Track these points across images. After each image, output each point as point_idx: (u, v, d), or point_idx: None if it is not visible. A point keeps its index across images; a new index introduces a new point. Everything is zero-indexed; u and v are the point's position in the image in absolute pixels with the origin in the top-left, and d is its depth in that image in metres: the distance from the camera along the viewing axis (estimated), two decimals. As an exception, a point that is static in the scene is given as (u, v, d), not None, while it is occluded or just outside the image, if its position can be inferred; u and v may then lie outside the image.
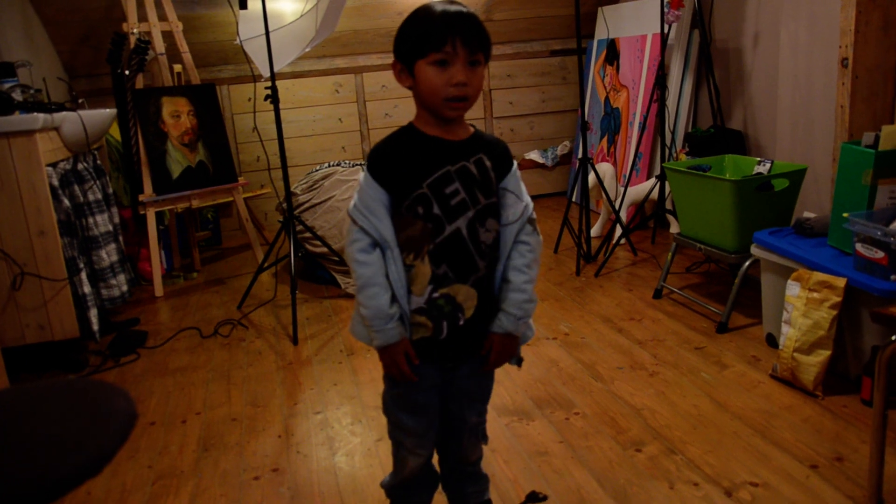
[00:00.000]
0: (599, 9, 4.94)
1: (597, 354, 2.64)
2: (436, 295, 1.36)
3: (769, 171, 2.84)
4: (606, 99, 4.76)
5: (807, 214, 2.64)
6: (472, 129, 1.40)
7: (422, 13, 1.29)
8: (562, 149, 5.39)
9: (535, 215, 1.42)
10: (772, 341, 2.57)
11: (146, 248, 3.87)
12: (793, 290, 2.24)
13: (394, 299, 1.34)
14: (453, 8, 1.27)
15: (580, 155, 3.68)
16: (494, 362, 1.44)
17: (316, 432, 2.23)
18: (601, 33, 4.94)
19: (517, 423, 2.18)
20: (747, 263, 2.69)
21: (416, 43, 1.28)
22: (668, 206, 3.80)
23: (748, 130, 3.84)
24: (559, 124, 5.53)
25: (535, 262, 1.41)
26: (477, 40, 1.27)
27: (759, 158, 2.96)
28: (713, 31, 4.02)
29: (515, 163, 1.43)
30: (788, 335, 2.22)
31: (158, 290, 3.79)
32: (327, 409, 2.37)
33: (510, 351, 1.44)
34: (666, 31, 3.67)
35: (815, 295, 2.17)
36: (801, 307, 2.19)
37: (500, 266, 1.41)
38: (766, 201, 2.74)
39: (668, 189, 3.70)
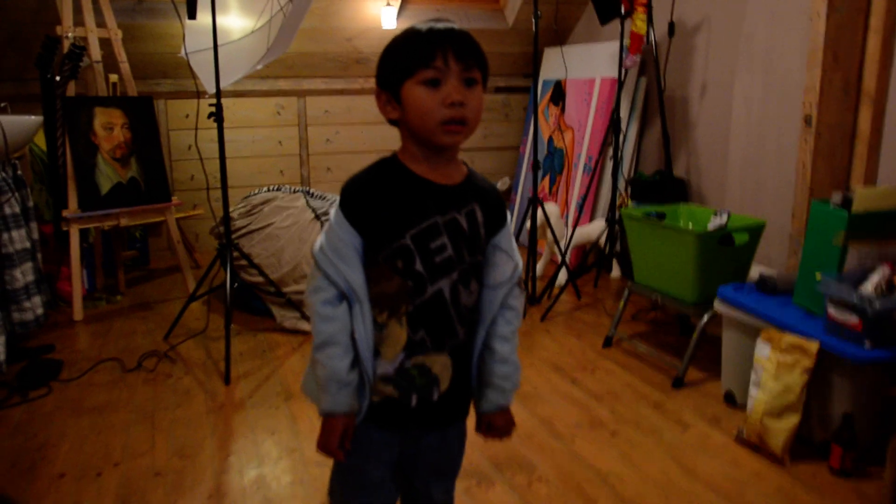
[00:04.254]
0: (545, 49, 4.93)
1: (553, 408, 2.51)
2: (408, 364, 1.18)
3: (727, 222, 2.80)
4: (550, 139, 4.72)
5: (766, 271, 2.61)
6: (465, 170, 1.22)
7: (407, 32, 1.14)
8: (501, 184, 5.32)
9: (522, 274, 1.27)
10: (730, 399, 2.50)
11: (67, 267, 3.56)
12: (763, 351, 2.17)
13: (355, 363, 1.15)
14: (441, 24, 1.12)
15: (522, 193, 3.58)
16: (497, 437, 1.31)
17: (251, 493, 2.00)
18: (546, 73, 4.93)
19: (476, 487, 2.01)
20: (706, 318, 2.62)
21: (402, 62, 1.12)
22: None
23: (691, 178, 3.84)
24: (500, 161, 5.47)
25: (518, 327, 1.26)
26: (471, 54, 1.12)
27: (715, 209, 2.91)
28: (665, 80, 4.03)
29: (509, 216, 1.26)
30: (758, 398, 2.14)
31: (78, 313, 3.48)
32: (264, 464, 2.15)
33: (507, 423, 1.29)
34: (623, 76, 3.65)
35: (787, 358, 2.09)
36: (773, 370, 2.12)
37: (480, 330, 1.24)
38: (726, 255, 2.70)
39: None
